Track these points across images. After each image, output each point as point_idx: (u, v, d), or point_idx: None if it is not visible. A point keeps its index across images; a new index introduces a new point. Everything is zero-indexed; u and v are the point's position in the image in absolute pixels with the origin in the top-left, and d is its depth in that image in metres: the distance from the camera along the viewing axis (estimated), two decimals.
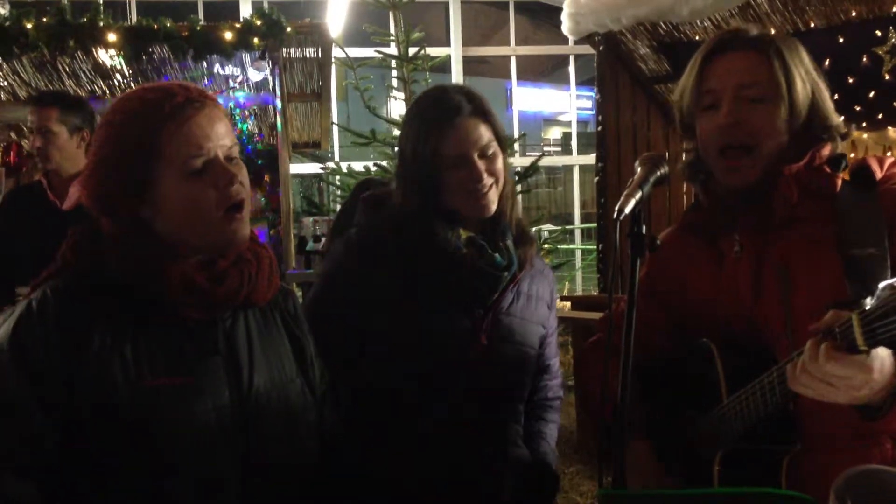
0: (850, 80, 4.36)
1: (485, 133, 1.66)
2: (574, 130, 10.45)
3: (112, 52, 4.35)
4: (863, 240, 1.30)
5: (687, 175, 1.59)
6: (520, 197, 7.43)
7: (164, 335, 1.31)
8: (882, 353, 1.08)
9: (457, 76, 8.53)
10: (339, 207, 4.54)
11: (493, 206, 1.69)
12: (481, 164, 1.65)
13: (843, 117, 1.48)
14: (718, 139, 1.44)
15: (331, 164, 6.01)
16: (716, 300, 1.49)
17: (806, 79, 1.43)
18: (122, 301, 1.29)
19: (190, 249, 1.34)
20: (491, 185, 1.66)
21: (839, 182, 1.40)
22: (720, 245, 1.52)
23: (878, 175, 1.39)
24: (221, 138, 1.33)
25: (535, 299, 1.80)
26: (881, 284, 1.00)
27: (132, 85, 4.94)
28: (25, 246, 3.06)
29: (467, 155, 1.64)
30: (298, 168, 8.33)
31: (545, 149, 21.20)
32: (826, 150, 1.43)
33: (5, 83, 4.80)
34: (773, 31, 1.49)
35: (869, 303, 1.01)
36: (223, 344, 1.37)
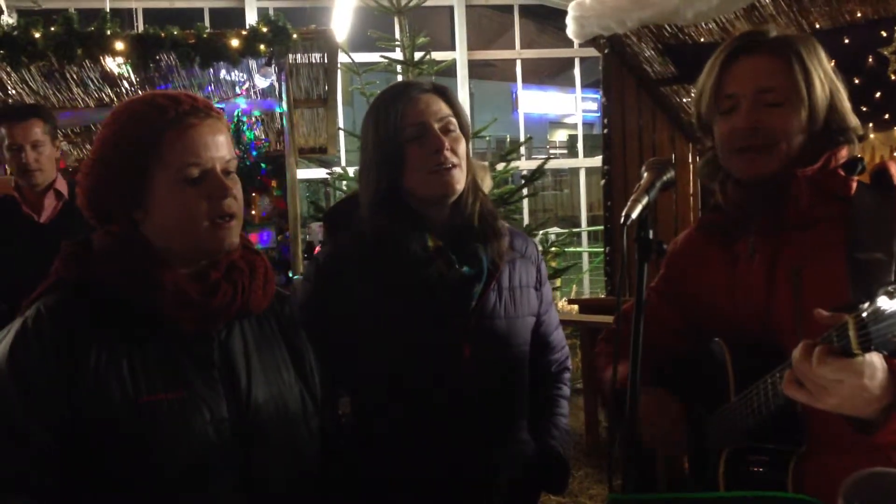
0: (856, 81, 4.34)
1: (445, 108, 1.67)
2: (580, 133, 10.41)
3: (119, 60, 4.37)
4: (871, 244, 1.30)
5: (705, 174, 1.59)
6: (526, 201, 7.46)
7: (160, 350, 1.31)
8: (875, 360, 1.09)
9: (462, 80, 8.53)
10: None
11: (458, 187, 1.65)
12: (443, 137, 1.63)
13: None
14: (737, 141, 1.44)
15: (337, 169, 6.02)
16: (730, 302, 1.50)
17: (825, 81, 1.43)
18: (117, 316, 1.29)
19: (178, 257, 1.34)
20: (455, 165, 1.64)
21: (854, 185, 1.41)
22: (736, 247, 1.52)
23: None
24: (221, 151, 1.34)
25: (520, 289, 1.76)
26: (881, 290, 1.00)
27: (140, 93, 4.96)
28: (5, 261, 3.05)
29: (427, 123, 1.63)
30: (305, 173, 8.34)
31: (551, 151, 21.22)
32: (843, 153, 1.44)
33: (14, 92, 4.82)
34: (792, 32, 1.49)
35: (866, 307, 1.01)
36: (219, 356, 1.37)
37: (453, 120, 1.67)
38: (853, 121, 1.46)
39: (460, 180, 1.66)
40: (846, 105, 1.46)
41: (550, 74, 20.49)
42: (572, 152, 19.17)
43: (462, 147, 1.67)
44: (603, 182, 5.94)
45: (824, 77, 1.43)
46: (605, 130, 5.91)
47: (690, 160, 6.07)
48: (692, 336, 1.58)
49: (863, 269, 1.29)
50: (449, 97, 1.70)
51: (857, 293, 1.26)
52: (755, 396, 1.32)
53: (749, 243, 1.49)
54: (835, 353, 1.07)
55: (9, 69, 4.50)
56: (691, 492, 1.50)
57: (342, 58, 5.40)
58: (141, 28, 5.95)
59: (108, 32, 4.17)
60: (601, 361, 1.75)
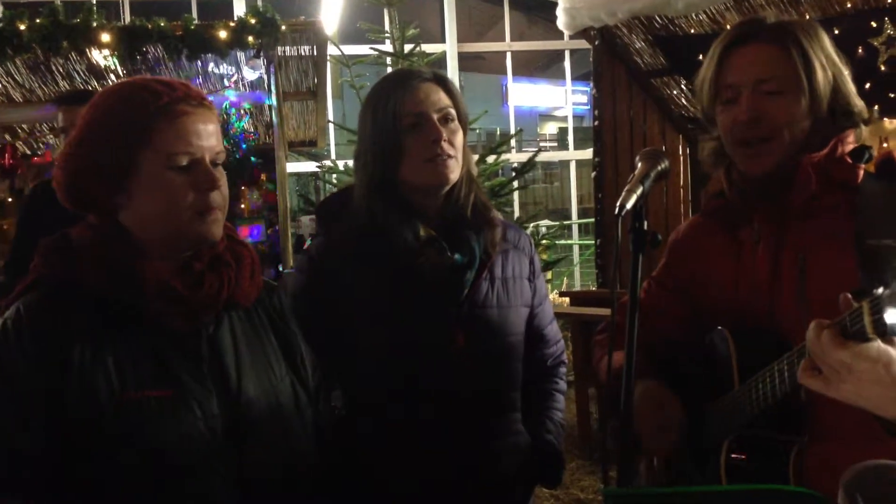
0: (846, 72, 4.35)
1: (444, 98, 1.66)
2: (570, 125, 10.44)
3: (106, 52, 4.33)
4: (880, 231, 1.29)
5: (711, 162, 1.58)
6: (516, 193, 7.46)
7: (147, 346, 1.28)
8: (893, 352, 1.05)
9: (452, 72, 8.51)
10: None
11: (453, 177, 1.66)
12: (441, 128, 1.63)
13: None
14: (738, 133, 1.44)
15: (327, 162, 5.99)
16: (734, 289, 1.50)
17: (827, 66, 1.42)
18: (101, 313, 1.26)
19: (159, 248, 1.32)
20: (452, 156, 1.64)
21: (861, 173, 1.40)
22: (740, 234, 1.52)
23: None
24: (211, 141, 1.32)
25: (512, 279, 1.76)
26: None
27: None
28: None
29: (425, 113, 1.63)
30: (295, 166, 8.32)
31: (541, 144, 21.17)
32: (850, 138, 1.43)
33: None
34: (792, 17, 1.49)
35: (881, 291, 1.00)
36: (207, 351, 1.34)
37: (452, 111, 1.67)
38: (858, 103, 1.45)
39: (455, 171, 1.66)
40: (850, 88, 1.45)
41: (540, 67, 20.50)
42: (563, 145, 19.18)
43: (459, 138, 1.67)
44: (593, 174, 5.94)
45: (826, 62, 1.42)
46: (596, 123, 5.91)
47: (681, 152, 6.08)
48: (693, 325, 1.57)
49: (874, 257, 1.27)
50: (449, 87, 1.69)
51: (867, 279, 1.25)
52: (760, 385, 1.31)
53: (754, 230, 1.48)
54: (849, 337, 1.04)
55: None
56: (693, 484, 1.49)
57: (331, 50, 5.37)
58: (128, 20, 5.90)
59: (95, 24, 4.13)
60: (598, 352, 1.74)
